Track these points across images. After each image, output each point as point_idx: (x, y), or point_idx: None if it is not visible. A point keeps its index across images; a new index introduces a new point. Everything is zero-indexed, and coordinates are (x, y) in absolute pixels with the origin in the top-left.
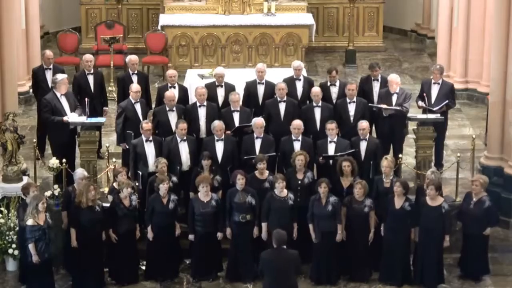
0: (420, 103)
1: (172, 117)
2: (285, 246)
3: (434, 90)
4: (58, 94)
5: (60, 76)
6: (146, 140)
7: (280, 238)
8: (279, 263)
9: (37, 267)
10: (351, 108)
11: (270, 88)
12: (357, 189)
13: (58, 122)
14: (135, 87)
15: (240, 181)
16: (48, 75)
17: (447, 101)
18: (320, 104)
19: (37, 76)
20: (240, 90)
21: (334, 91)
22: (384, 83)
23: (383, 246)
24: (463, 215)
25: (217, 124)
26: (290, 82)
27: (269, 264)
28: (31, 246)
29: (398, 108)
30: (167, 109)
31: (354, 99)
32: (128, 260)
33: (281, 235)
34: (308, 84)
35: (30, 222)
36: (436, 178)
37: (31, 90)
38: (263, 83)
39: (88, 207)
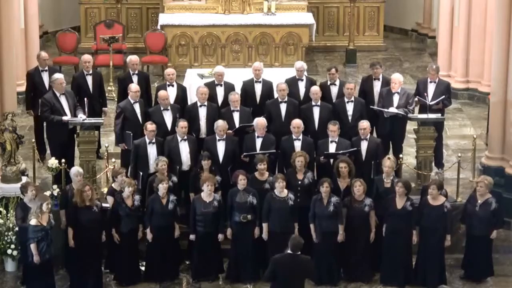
0: (417, 98)
1: (168, 117)
2: (299, 252)
3: (430, 89)
4: (58, 94)
5: (57, 76)
6: (149, 142)
7: (297, 244)
8: (293, 269)
9: (38, 267)
10: (349, 108)
11: (267, 86)
12: (356, 187)
13: (58, 121)
14: (134, 87)
15: (242, 181)
16: (45, 76)
17: (443, 96)
18: (319, 103)
19: (33, 78)
20: (239, 90)
21: (334, 90)
22: (385, 82)
23: (384, 248)
24: (468, 217)
25: (221, 123)
26: (292, 82)
27: (283, 269)
28: (33, 246)
29: (399, 112)
30: (162, 108)
31: (353, 99)
32: (130, 261)
33: (298, 242)
34: (311, 84)
35: (33, 222)
36: (439, 179)
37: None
38: (260, 82)
39: (86, 207)
